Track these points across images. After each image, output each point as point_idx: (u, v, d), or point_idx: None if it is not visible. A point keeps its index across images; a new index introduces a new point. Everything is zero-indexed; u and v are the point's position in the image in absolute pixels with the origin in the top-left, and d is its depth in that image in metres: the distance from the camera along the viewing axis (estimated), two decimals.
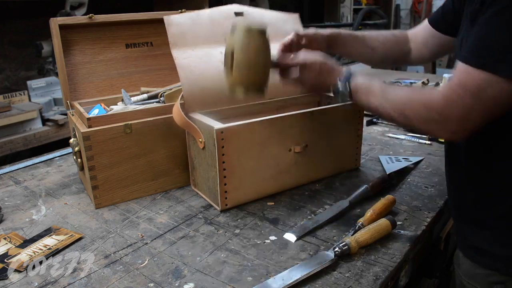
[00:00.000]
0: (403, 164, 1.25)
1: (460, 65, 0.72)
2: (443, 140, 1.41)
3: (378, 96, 0.84)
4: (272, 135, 1.02)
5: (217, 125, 0.96)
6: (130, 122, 1.05)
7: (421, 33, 1.10)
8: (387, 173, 1.15)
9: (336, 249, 0.82)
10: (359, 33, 1.11)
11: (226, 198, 1.01)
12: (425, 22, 1.09)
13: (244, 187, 1.03)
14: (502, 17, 0.66)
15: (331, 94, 0.92)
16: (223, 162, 0.97)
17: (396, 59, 1.16)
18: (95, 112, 1.14)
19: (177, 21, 1.09)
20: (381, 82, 0.86)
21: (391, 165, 1.24)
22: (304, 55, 0.94)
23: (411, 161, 1.28)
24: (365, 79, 0.88)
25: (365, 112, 1.28)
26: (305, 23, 5.31)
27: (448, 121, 0.73)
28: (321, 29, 1.05)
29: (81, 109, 1.08)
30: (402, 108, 0.80)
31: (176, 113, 1.05)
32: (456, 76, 0.72)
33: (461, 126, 0.73)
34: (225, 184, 1.00)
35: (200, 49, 1.10)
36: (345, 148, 1.19)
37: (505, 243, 0.80)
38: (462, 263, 0.90)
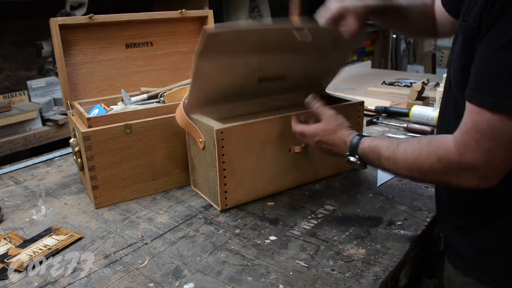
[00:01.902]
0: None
1: (470, 106, 0.67)
2: None
3: (388, 158, 0.80)
4: (272, 135, 1.02)
5: (217, 125, 0.96)
6: (130, 122, 1.05)
7: (439, 9, 0.99)
8: (377, 185, 1.14)
9: None
10: (403, 5, 0.98)
11: (226, 198, 1.01)
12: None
13: (244, 187, 1.03)
14: (509, 52, 0.62)
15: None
16: (223, 162, 0.97)
17: (425, 33, 1.09)
18: (95, 112, 1.14)
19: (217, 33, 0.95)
20: (389, 140, 0.82)
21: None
22: (309, 130, 0.94)
23: None
24: (371, 142, 0.84)
25: (364, 112, 1.27)
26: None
27: (468, 169, 0.69)
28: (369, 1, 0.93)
29: (81, 109, 1.08)
30: (415, 167, 0.76)
31: (178, 113, 1.05)
32: (468, 118, 0.68)
33: (486, 171, 0.68)
34: (225, 184, 1.00)
35: (224, 59, 1.00)
36: None
37: (487, 251, 0.78)
38: (446, 268, 0.88)
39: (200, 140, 1.01)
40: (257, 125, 1.00)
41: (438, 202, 0.93)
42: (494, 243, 0.78)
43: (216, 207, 1.03)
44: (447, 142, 0.72)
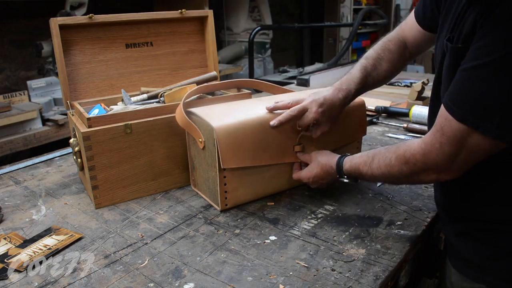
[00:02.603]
0: None
1: (443, 110, 0.72)
2: None
3: (367, 173, 0.89)
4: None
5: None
6: (130, 122, 1.05)
7: (411, 32, 1.05)
8: (377, 185, 1.14)
9: None
10: (363, 75, 1.04)
11: (226, 198, 1.01)
12: (412, 17, 1.03)
13: (244, 187, 1.03)
14: (481, 73, 0.66)
15: None
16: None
17: (400, 70, 1.13)
18: (95, 112, 1.14)
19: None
20: (365, 156, 0.91)
21: None
22: (303, 173, 1.04)
23: None
24: (351, 162, 0.94)
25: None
26: (305, 23, 5.33)
27: (431, 168, 0.76)
28: (338, 97, 1.02)
29: (81, 109, 1.08)
30: (389, 174, 0.84)
31: (178, 113, 1.05)
32: (439, 122, 0.73)
33: (447, 170, 0.75)
34: (225, 184, 1.00)
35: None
36: (345, 148, 1.19)
37: (494, 256, 0.78)
38: (451, 274, 0.88)
39: (200, 140, 1.01)
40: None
41: (437, 205, 0.93)
42: (507, 248, 0.77)
43: (216, 207, 1.03)
44: (413, 144, 0.79)
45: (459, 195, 0.82)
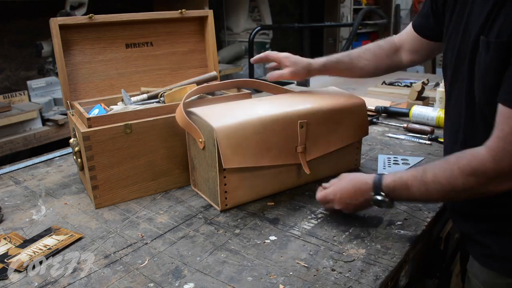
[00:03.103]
0: (399, 169, 1.23)
1: (504, 110, 0.68)
2: (443, 141, 1.41)
3: (418, 187, 0.79)
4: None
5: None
6: (130, 122, 1.05)
7: (408, 40, 1.09)
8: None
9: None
10: (345, 56, 1.15)
11: (226, 198, 1.01)
12: (410, 27, 1.08)
13: (244, 188, 1.03)
14: None
15: None
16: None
17: (387, 69, 1.17)
18: (95, 112, 1.14)
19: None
20: (413, 170, 0.82)
21: (386, 172, 1.21)
22: (330, 192, 0.94)
23: (409, 163, 1.27)
24: (395, 176, 0.84)
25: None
26: (305, 23, 5.32)
27: (506, 174, 0.69)
28: (309, 60, 1.17)
29: (81, 109, 1.08)
30: (450, 188, 0.75)
31: (178, 113, 1.05)
32: (505, 124, 0.68)
33: None
34: (225, 184, 1.00)
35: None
36: (345, 149, 1.19)
37: None
38: (480, 272, 0.87)
39: (200, 140, 1.01)
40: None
41: (453, 205, 0.92)
42: None
43: (216, 207, 1.03)
44: (479, 153, 0.72)
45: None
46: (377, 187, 0.85)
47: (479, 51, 0.74)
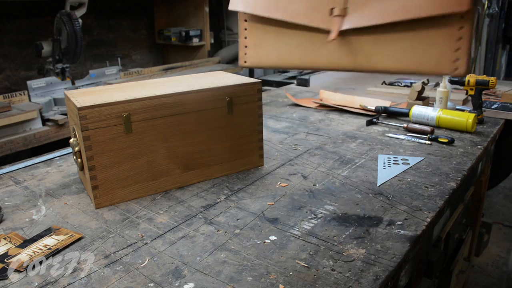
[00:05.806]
0: (399, 169, 1.23)
1: None
2: (443, 141, 1.41)
3: None
4: None
5: None
6: (130, 122, 1.05)
7: None
8: (377, 185, 1.14)
9: None
10: None
11: (245, 54, 0.87)
12: None
13: (266, 47, 0.87)
14: None
15: None
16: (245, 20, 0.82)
17: None
18: None
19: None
20: None
21: (386, 172, 1.22)
22: None
23: (409, 163, 1.27)
24: None
25: (364, 112, 1.27)
26: None
27: None
28: None
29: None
30: None
31: None
32: None
33: None
34: (245, 38, 0.86)
35: None
36: (428, 27, 0.67)
37: None
38: None
39: None
40: None
41: None
42: None
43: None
44: None
45: None
46: None
47: None
